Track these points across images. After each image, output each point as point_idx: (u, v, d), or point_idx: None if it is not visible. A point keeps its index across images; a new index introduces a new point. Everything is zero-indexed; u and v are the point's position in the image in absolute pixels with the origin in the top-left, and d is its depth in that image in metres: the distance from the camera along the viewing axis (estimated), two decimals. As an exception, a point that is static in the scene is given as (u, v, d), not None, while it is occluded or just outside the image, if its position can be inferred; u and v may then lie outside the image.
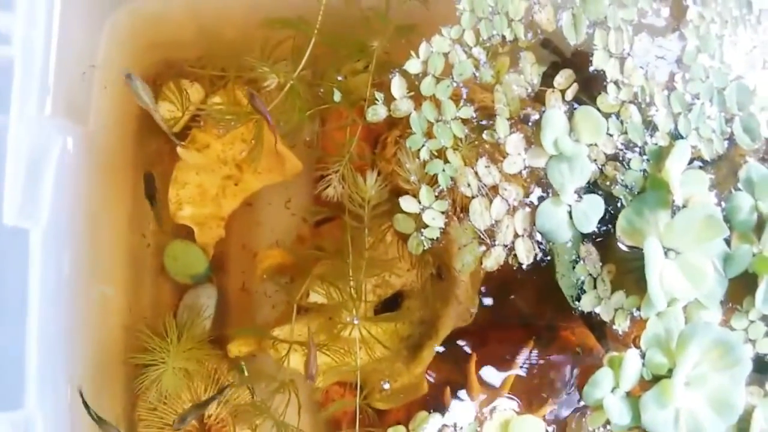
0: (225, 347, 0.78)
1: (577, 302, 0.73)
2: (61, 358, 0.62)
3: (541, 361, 0.81)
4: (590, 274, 0.73)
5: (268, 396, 0.67)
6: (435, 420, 0.70)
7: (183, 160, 0.78)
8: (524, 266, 0.72)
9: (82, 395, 0.64)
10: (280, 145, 0.78)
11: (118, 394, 0.77)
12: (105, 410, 0.75)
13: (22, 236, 0.53)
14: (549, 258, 0.74)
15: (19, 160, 0.52)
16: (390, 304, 0.79)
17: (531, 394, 0.78)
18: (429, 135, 0.68)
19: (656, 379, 0.72)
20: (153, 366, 0.69)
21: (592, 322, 0.78)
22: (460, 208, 0.70)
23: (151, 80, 0.78)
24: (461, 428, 0.69)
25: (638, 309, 0.73)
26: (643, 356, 0.72)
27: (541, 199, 0.72)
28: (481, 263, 0.71)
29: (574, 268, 0.73)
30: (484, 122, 0.70)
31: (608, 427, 0.72)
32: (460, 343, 0.80)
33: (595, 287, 0.73)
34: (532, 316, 0.82)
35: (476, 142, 0.68)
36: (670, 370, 0.72)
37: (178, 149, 0.76)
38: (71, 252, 0.64)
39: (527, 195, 0.71)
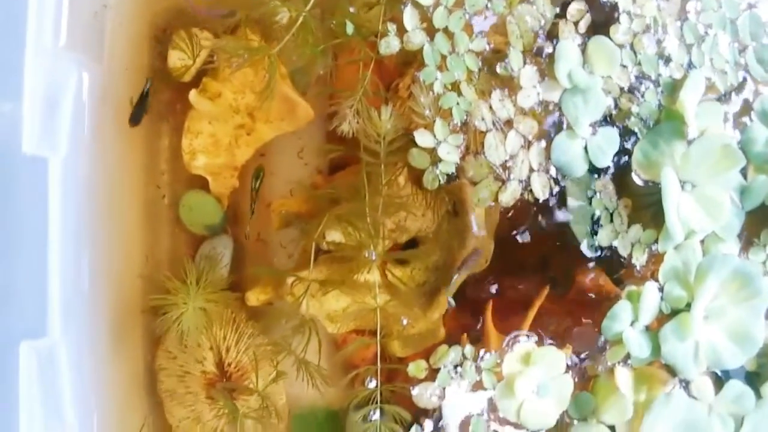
0: (243, 296, 0.78)
1: (594, 237, 0.73)
2: (84, 290, 0.62)
3: (558, 307, 0.81)
4: (606, 208, 0.73)
5: (289, 333, 0.67)
6: (455, 353, 0.70)
7: (195, 110, 0.78)
8: (540, 201, 0.72)
9: None
10: (291, 93, 0.78)
11: (137, 342, 0.77)
12: (125, 359, 0.76)
13: (41, 165, 0.53)
14: (564, 204, 0.75)
15: (37, 90, 0.52)
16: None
17: (549, 338, 0.78)
18: (442, 68, 0.68)
19: (675, 313, 0.72)
20: (173, 305, 0.69)
21: (608, 266, 0.78)
22: (475, 144, 0.70)
23: (161, 29, 0.78)
24: (482, 360, 0.69)
25: (656, 242, 0.73)
26: (661, 290, 0.72)
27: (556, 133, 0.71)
28: (497, 199, 0.71)
29: (591, 203, 0.73)
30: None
31: (628, 362, 0.72)
32: (476, 289, 0.80)
33: (611, 221, 0.73)
34: (548, 263, 0.82)
35: (490, 74, 0.68)
36: (689, 304, 0.71)
37: (191, 96, 0.75)
38: (89, 192, 0.64)
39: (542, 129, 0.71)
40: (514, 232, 0.80)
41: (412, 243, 0.79)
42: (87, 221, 0.64)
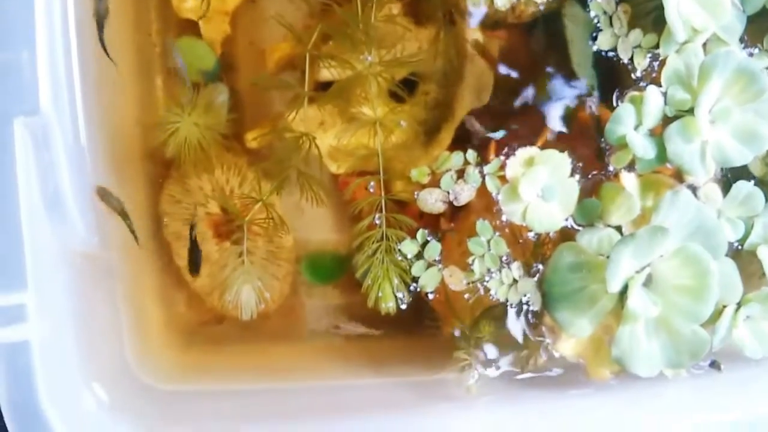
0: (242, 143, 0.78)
1: (593, 42, 0.72)
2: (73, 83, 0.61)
3: (562, 144, 0.79)
4: (605, 12, 0.72)
5: (289, 146, 0.67)
6: (458, 158, 0.69)
7: (180, -49, 0.77)
8: (538, 3, 0.70)
9: None
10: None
11: (139, 190, 0.77)
12: (127, 205, 0.76)
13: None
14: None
15: None
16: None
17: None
18: None
19: (679, 117, 0.71)
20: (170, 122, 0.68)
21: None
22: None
23: None
24: (486, 165, 0.69)
25: (656, 47, 0.72)
26: (663, 95, 0.71)
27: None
28: (492, 2, 0.70)
29: (588, 7, 0.71)
30: None
31: (634, 167, 0.71)
32: (478, 125, 0.79)
33: (611, 25, 0.72)
34: (549, 97, 0.80)
35: None
36: (692, 109, 0.70)
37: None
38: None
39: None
40: (514, 66, 0.79)
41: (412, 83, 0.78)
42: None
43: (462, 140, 0.77)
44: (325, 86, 0.75)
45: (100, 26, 0.69)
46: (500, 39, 0.78)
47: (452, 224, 0.73)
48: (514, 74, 0.79)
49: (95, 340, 0.62)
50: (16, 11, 0.52)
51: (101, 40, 0.67)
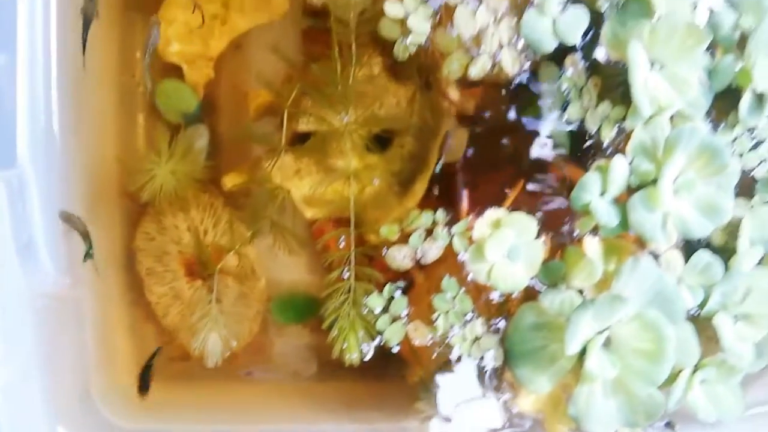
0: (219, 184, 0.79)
1: (564, 112, 0.75)
2: (54, 120, 0.62)
3: (533, 200, 0.82)
4: (575, 85, 0.74)
5: (264, 197, 0.68)
6: (427, 217, 0.71)
7: (169, -3, 0.79)
8: (511, 76, 0.73)
9: None
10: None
11: (115, 226, 0.78)
12: (102, 241, 0.77)
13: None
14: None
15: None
16: (381, 143, 0.80)
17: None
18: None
19: (643, 187, 0.73)
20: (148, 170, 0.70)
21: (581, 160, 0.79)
22: (446, 18, 0.71)
23: None
24: (454, 225, 0.71)
25: (624, 119, 0.74)
26: (629, 165, 0.73)
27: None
28: (467, 71, 0.72)
29: (560, 78, 0.74)
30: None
31: (598, 233, 0.74)
32: (451, 180, 0.81)
33: (580, 97, 0.74)
34: (521, 155, 0.83)
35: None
36: (656, 180, 0.73)
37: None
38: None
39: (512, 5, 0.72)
40: (488, 125, 0.82)
41: (388, 138, 0.80)
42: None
43: (434, 196, 0.79)
44: (303, 135, 0.77)
45: (86, 26, 0.70)
46: (476, 97, 0.80)
47: (422, 273, 0.75)
48: (488, 131, 0.81)
49: (61, 382, 0.62)
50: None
51: (84, 40, 0.68)
